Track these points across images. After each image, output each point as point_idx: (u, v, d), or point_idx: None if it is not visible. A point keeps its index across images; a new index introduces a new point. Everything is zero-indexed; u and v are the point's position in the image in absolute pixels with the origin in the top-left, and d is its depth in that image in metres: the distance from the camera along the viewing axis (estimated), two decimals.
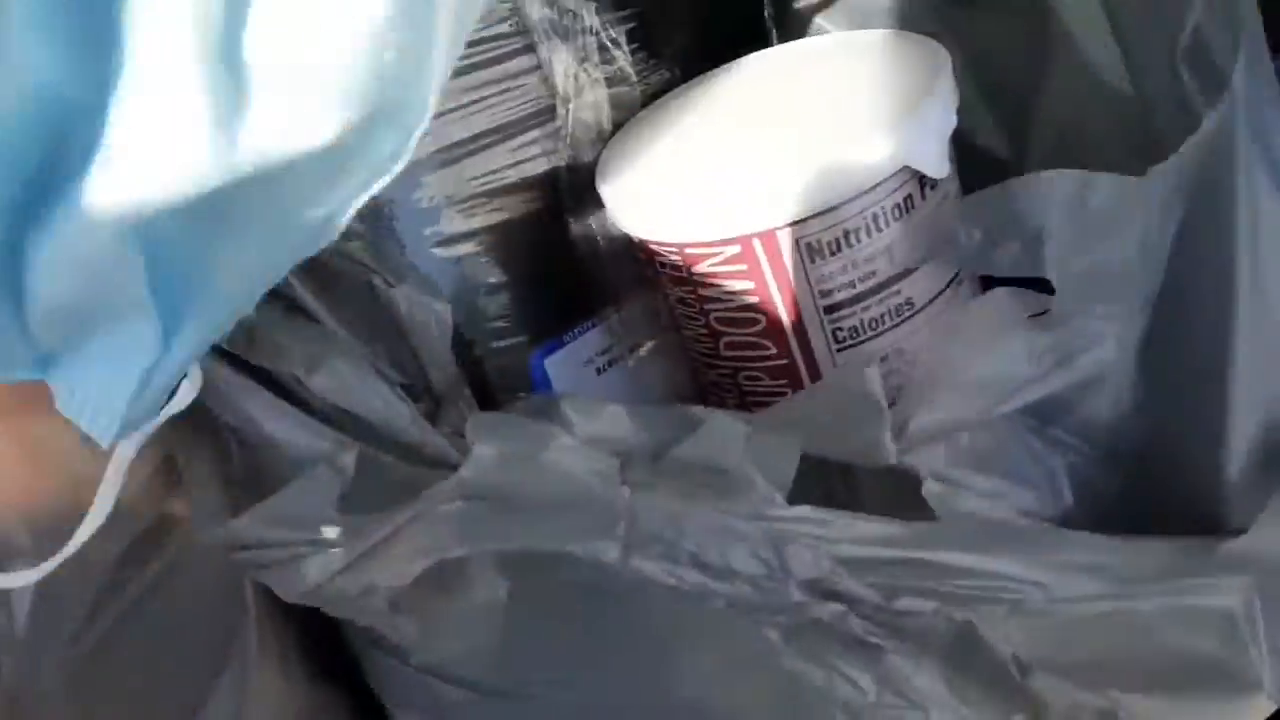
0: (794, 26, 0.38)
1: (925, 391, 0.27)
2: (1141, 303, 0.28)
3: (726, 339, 0.31)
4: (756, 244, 0.29)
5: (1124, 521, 0.29)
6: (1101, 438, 0.29)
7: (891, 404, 0.29)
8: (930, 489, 0.26)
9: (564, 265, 0.34)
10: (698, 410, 0.27)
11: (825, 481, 0.28)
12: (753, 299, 0.30)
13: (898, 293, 0.30)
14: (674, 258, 0.31)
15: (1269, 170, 0.27)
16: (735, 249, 0.29)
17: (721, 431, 0.26)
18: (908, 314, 0.30)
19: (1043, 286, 0.29)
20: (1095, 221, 0.28)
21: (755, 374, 0.32)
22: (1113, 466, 0.30)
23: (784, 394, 0.31)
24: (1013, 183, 0.28)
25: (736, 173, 0.29)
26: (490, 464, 0.27)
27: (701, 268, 0.30)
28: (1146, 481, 0.30)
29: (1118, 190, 0.27)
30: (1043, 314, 0.28)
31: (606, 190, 0.32)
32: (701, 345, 0.32)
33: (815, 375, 0.31)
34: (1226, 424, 0.28)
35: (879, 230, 0.29)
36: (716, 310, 0.31)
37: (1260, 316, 0.27)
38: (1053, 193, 0.28)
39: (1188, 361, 0.29)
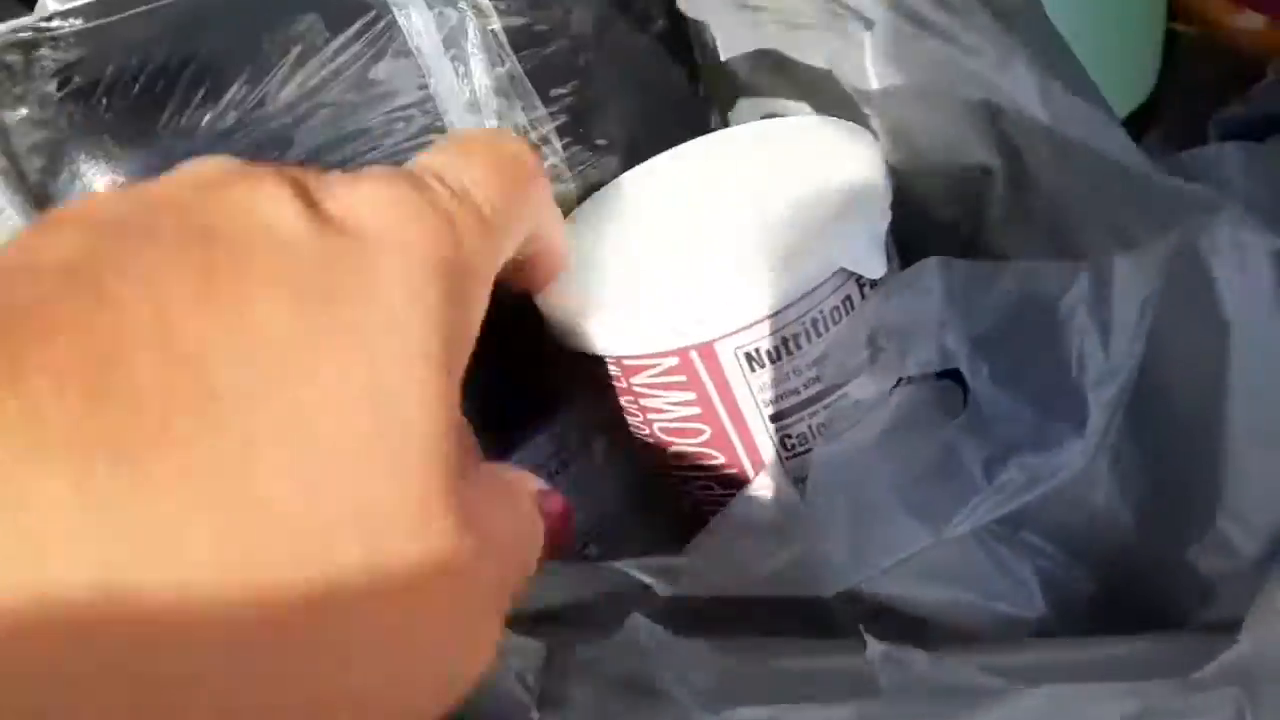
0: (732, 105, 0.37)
1: (869, 515, 0.25)
2: (1111, 400, 0.26)
3: (674, 449, 0.30)
4: (694, 356, 0.28)
5: (1100, 620, 0.28)
6: (1075, 539, 0.28)
7: None
8: (873, 653, 0.25)
9: (507, 373, 0.32)
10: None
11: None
12: (695, 409, 0.29)
13: (845, 395, 0.28)
14: (613, 369, 0.30)
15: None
16: (673, 360, 0.28)
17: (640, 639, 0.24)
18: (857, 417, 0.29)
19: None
20: (1035, 315, 0.26)
21: (707, 483, 0.30)
22: (1088, 566, 0.28)
23: None
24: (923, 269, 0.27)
25: (669, 284, 0.28)
26: None
27: (640, 379, 0.29)
28: (1124, 579, 0.29)
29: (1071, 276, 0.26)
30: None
31: (539, 301, 0.30)
32: (650, 454, 0.31)
33: None
34: (1212, 519, 0.26)
35: (819, 335, 0.28)
36: (660, 421, 0.30)
37: (1248, 405, 0.26)
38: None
39: (1167, 456, 0.27)
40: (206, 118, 0.29)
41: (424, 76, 0.31)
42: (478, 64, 0.31)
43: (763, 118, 0.35)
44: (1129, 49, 0.44)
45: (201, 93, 0.29)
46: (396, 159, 0.31)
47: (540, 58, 0.32)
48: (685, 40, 0.36)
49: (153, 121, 0.29)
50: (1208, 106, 0.42)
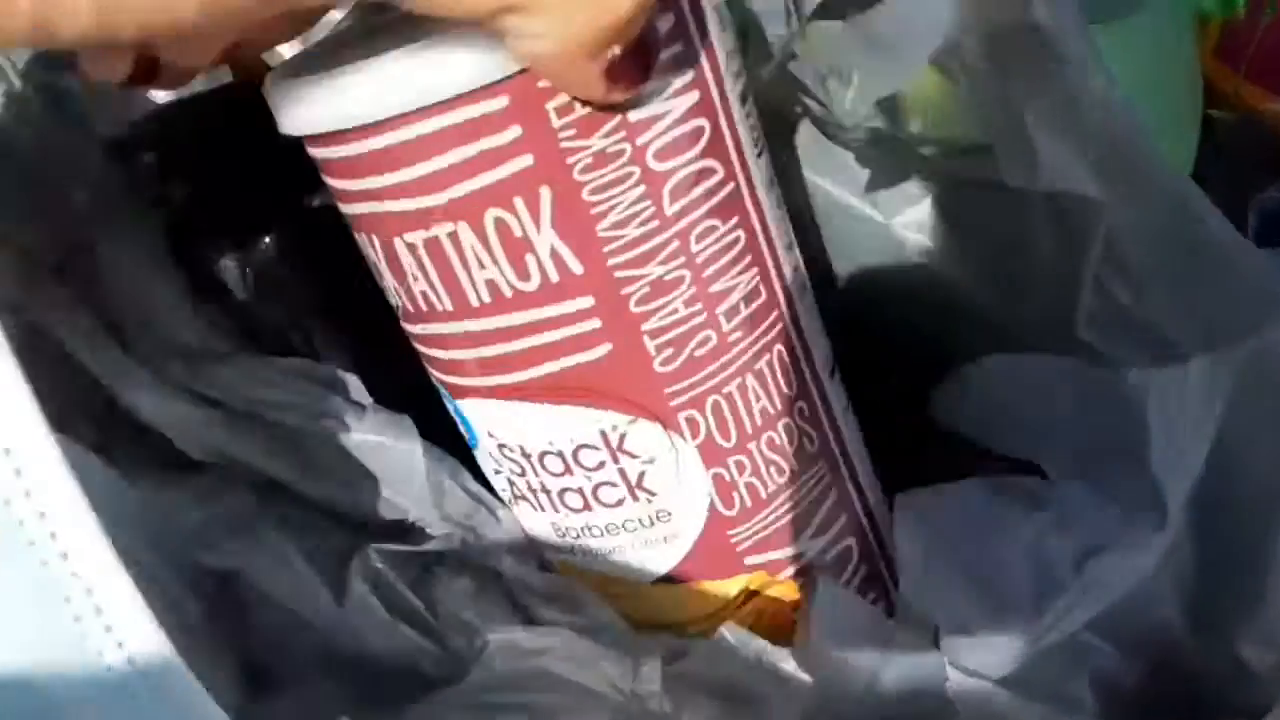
0: None
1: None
2: (1184, 499, 0.27)
3: None
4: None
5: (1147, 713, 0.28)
6: (1129, 636, 0.28)
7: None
8: None
9: None
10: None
11: None
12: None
13: None
14: None
15: None
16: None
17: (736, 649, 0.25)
18: None
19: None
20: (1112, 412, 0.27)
21: None
22: (1140, 661, 0.29)
23: None
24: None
25: None
26: (508, 663, 0.25)
27: None
28: (1171, 672, 0.29)
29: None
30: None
31: None
32: None
33: None
34: (1262, 614, 0.27)
35: None
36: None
37: None
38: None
39: (1224, 552, 0.28)
40: None
41: None
42: None
43: None
44: (1167, 134, 0.45)
45: None
46: None
47: None
48: None
49: None
50: (1246, 190, 0.43)
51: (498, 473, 0.27)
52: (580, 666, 0.25)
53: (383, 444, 0.26)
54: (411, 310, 0.25)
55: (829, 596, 0.27)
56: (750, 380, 0.25)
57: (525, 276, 0.23)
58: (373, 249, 0.25)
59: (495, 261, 0.23)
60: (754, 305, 0.25)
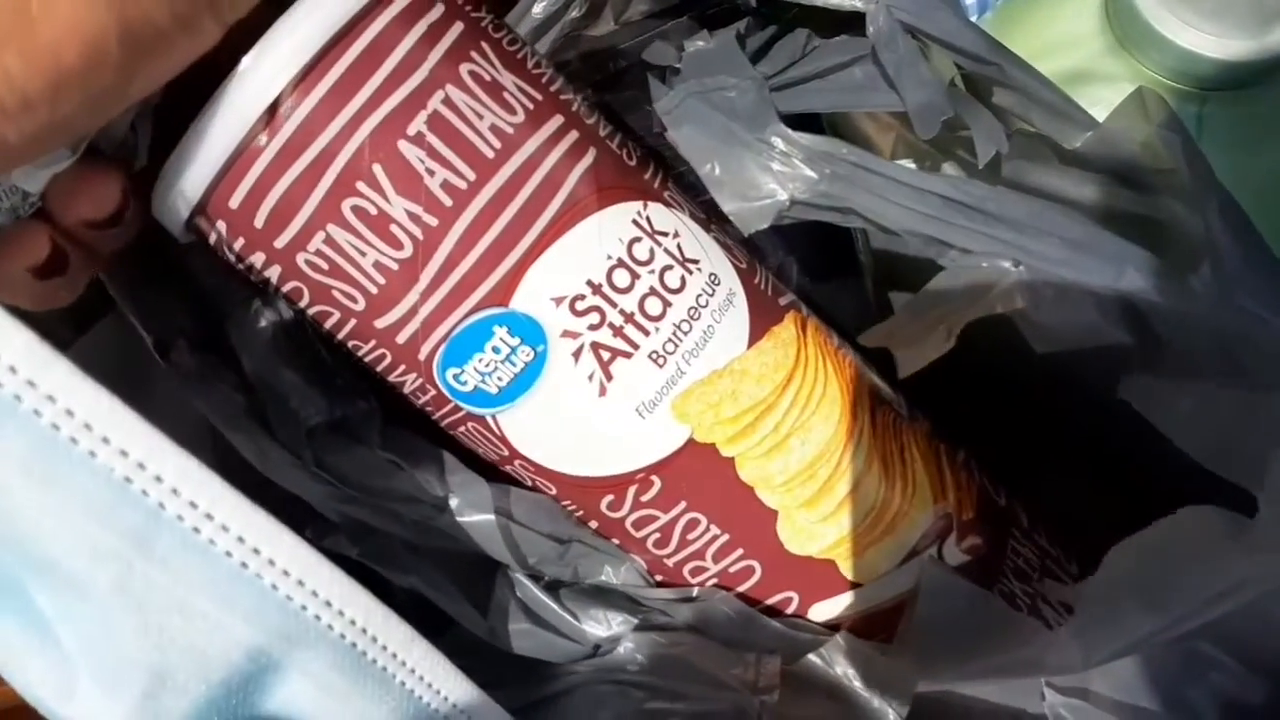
0: None
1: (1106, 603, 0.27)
2: None
3: None
4: None
5: None
6: (1251, 650, 0.29)
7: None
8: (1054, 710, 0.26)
9: None
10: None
11: None
12: None
13: None
14: None
15: None
16: None
17: (847, 653, 0.27)
18: None
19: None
20: None
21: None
22: (1262, 677, 0.29)
23: None
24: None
25: None
26: (641, 650, 0.28)
27: None
28: None
29: None
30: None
31: None
32: None
33: None
34: None
35: None
36: None
37: None
38: None
39: None
40: None
41: None
42: None
43: None
44: None
45: None
46: None
47: None
48: None
49: None
50: None
51: (578, 355, 0.25)
52: (709, 659, 0.28)
53: (469, 522, 0.28)
54: (433, 222, 0.24)
55: (934, 581, 0.27)
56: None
57: (512, 110, 0.25)
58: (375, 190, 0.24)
59: (486, 105, 0.24)
60: None
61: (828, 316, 0.31)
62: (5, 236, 0.24)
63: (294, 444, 0.29)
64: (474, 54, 0.25)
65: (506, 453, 0.27)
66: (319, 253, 0.24)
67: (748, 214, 0.28)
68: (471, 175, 0.24)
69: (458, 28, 0.25)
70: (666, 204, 0.27)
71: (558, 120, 0.26)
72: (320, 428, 0.29)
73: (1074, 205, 0.30)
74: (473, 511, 0.28)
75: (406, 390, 0.27)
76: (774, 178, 0.28)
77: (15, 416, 0.18)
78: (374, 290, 0.25)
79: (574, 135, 0.26)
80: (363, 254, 0.24)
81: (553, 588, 0.29)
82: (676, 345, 0.26)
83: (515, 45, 0.26)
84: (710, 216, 0.28)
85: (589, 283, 0.25)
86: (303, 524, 0.28)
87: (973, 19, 0.47)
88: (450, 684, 0.24)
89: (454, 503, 0.28)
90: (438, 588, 0.29)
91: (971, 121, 0.28)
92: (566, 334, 0.25)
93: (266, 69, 0.23)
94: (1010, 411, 0.33)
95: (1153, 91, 0.28)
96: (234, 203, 0.24)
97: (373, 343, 0.26)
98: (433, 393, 0.26)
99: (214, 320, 0.30)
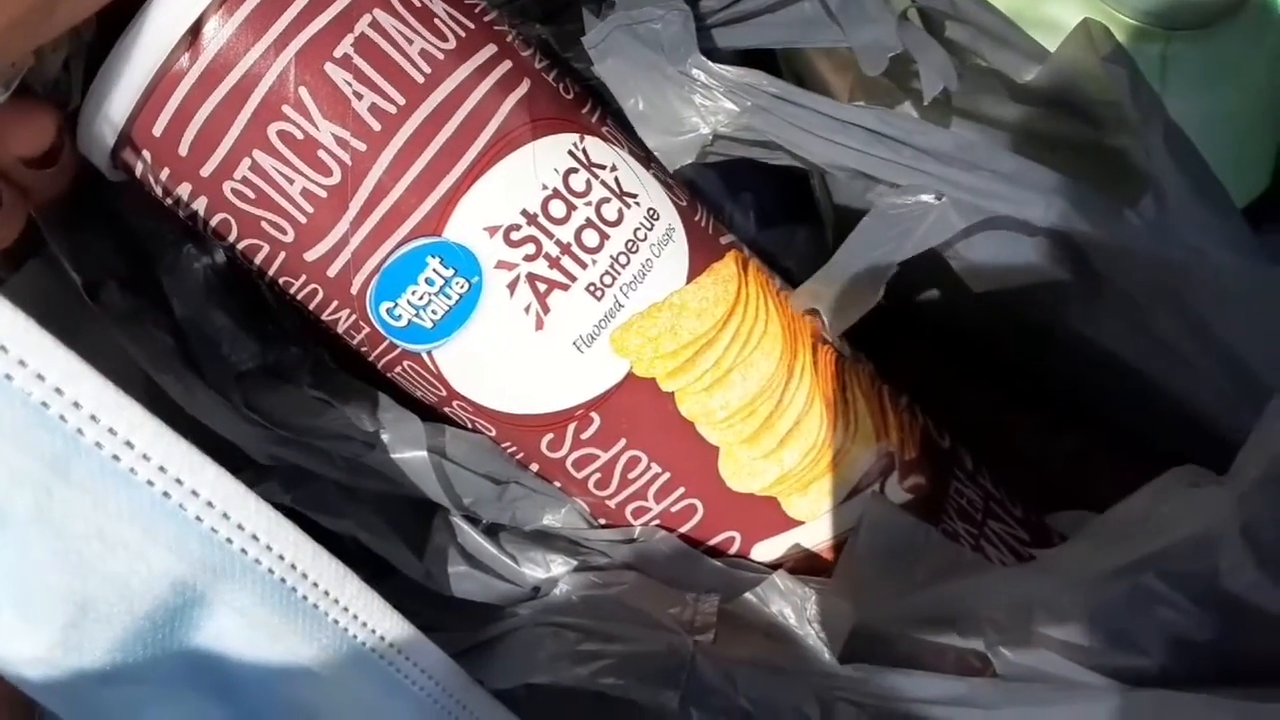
0: None
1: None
2: None
3: None
4: None
5: (1224, 673, 0.29)
6: (1201, 587, 0.29)
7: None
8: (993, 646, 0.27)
9: None
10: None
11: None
12: None
13: None
14: None
15: None
16: None
17: (783, 591, 0.27)
18: None
19: None
20: None
21: None
22: (1211, 615, 0.30)
23: None
24: None
25: None
26: (578, 592, 0.28)
27: None
28: (1249, 630, 0.30)
29: None
30: None
31: None
32: None
33: None
34: None
35: None
36: None
37: None
38: None
39: None
40: None
41: None
42: None
43: None
44: (1251, 141, 0.46)
45: None
46: None
47: None
48: None
49: None
50: None
51: (514, 288, 0.25)
52: (647, 599, 0.28)
53: (402, 459, 0.28)
54: (362, 147, 0.24)
55: (875, 515, 0.28)
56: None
57: (443, 37, 0.25)
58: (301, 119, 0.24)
59: (415, 30, 0.24)
60: None
61: (781, 263, 0.31)
62: None
63: (223, 387, 0.28)
64: None
65: (445, 393, 0.27)
66: (245, 180, 0.24)
67: (671, 149, 0.28)
68: (401, 100, 0.24)
69: None
70: (604, 139, 0.27)
71: (490, 50, 0.26)
72: (251, 372, 0.29)
73: (1025, 140, 0.30)
74: (406, 448, 0.28)
75: (340, 329, 0.27)
76: (696, 111, 0.28)
77: None
78: (303, 220, 0.25)
79: (507, 65, 0.26)
80: (290, 181, 0.24)
81: (491, 531, 0.29)
82: (614, 278, 0.26)
83: None
84: (650, 155, 0.28)
85: (524, 212, 0.25)
86: (235, 471, 0.28)
87: None
88: (385, 622, 0.24)
89: (386, 438, 0.28)
90: (374, 531, 0.29)
91: (919, 56, 0.29)
92: (501, 264, 0.25)
93: None
94: (954, 353, 0.34)
95: (1098, 24, 0.29)
96: (157, 130, 0.24)
97: (303, 278, 0.26)
98: (366, 330, 0.26)
99: (145, 262, 0.30)
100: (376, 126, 0.24)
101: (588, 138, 0.26)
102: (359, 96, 0.24)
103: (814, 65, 0.36)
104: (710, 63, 0.28)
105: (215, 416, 0.28)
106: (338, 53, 0.24)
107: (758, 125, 0.28)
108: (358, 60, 0.24)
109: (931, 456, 0.31)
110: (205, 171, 0.24)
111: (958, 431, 0.33)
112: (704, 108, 0.28)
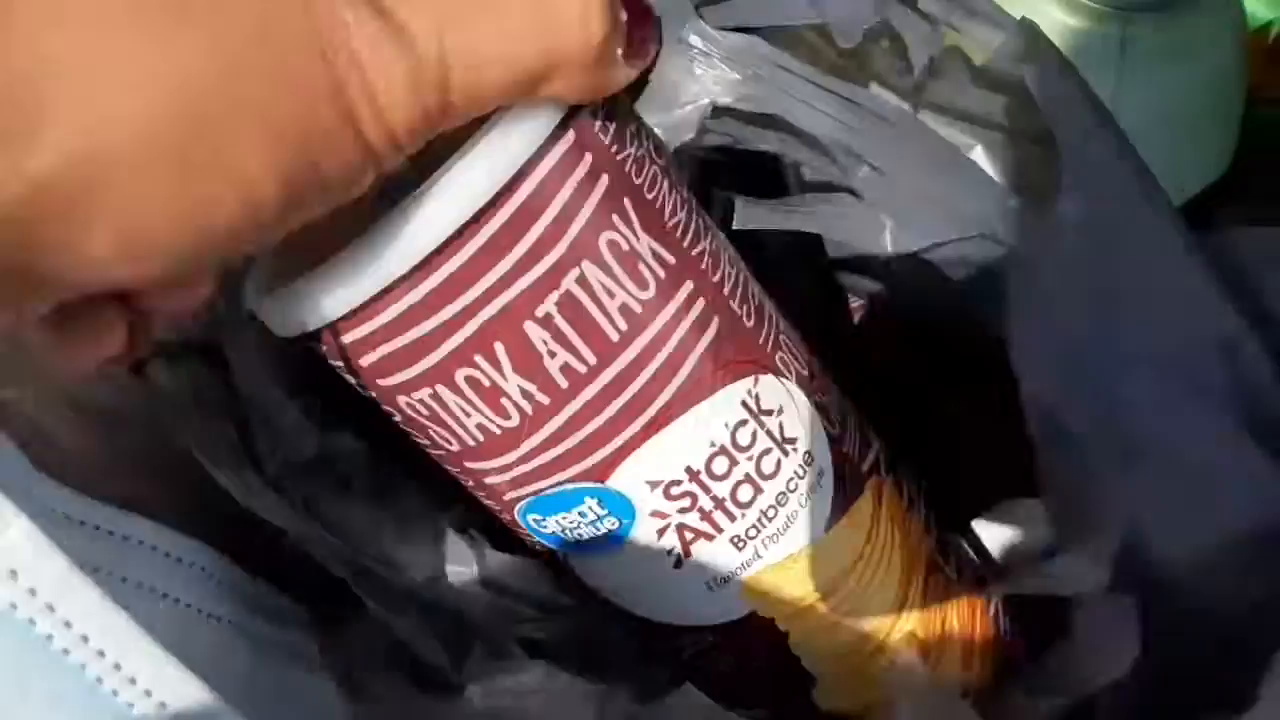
0: None
1: None
2: None
3: None
4: None
5: None
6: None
7: None
8: None
9: None
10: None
11: None
12: None
13: None
14: None
15: None
16: None
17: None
18: None
19: None
20: None
21: None
22: None
23: None
24: None
25: None
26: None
27: None
28: None
29: None
30: None
31: None
32: None
33: None
34: None
35: None
36: None
37: None
38: None
39: None
40: None
41: None
42: None
43: None
44: (1209, 125, 0.47)
45: None
46: None
47: None
48: None
49: None
50: None
51: (662, 533, 0.26)
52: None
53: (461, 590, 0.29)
54: (545, 401, 0.24)
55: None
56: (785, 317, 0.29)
57: (644, 285, 0.24)
58: (492, 363, 0.24)
59: (619, 281, 0.24)
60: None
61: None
62: (79, 327, 0.22)
63: (280, 481, 0.29)
64: (616, 217, 0.24)
65: (567, 571, 0.29)
66: (422, 402, 0.25)
67: (672, 124, 0.29)
68: (593, 360, 0.24)
69: (604, 182, 0.24)
70: (777, 370, 0.27)
71: (687, 289, 0.25)
72: (311, 464, 0.29)
73: (980, 126, 0.31)
74: (466, 582, 0.29)
75: (471, 491, 0.28)
76: (695, 81, 0.28)
77: None
78: (471, 444, 0.25)
79: (700, 305, 0.26)
80: (467, 415, 0.25)
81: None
82: (759, 531, 0.27)
83: (655, 189, 0.25)
84: (813, 371, 0.28)
85: (688, 469, 0.26)
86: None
87: None
88: None
89: (448, 570, 0.29)
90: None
91: (902, 26, 0.29)
92: (655, 514, 0.26)
93: (436, 214, 0.22)
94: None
95: (1029, 22, 0.29)
96: (351, 335, 0.24)
97: (457, 469, 0.27)
98: (507, 518, 0.27)
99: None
100: (564, 384, 0.24)
101: (763, 377, 0.27)
102: (553, 355, 0.24)
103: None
104: (709, 28, 0.28)
105: (275, 513, 0.28)
106: (540, 312, 0.23)
107: (758, 94, 0.28)
108: (558, 319, 0.24)
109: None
110: (384, 382, 0.25)
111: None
112: (703, 77, 0.29)
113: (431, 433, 0.25)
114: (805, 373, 0.28)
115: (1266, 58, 0.51)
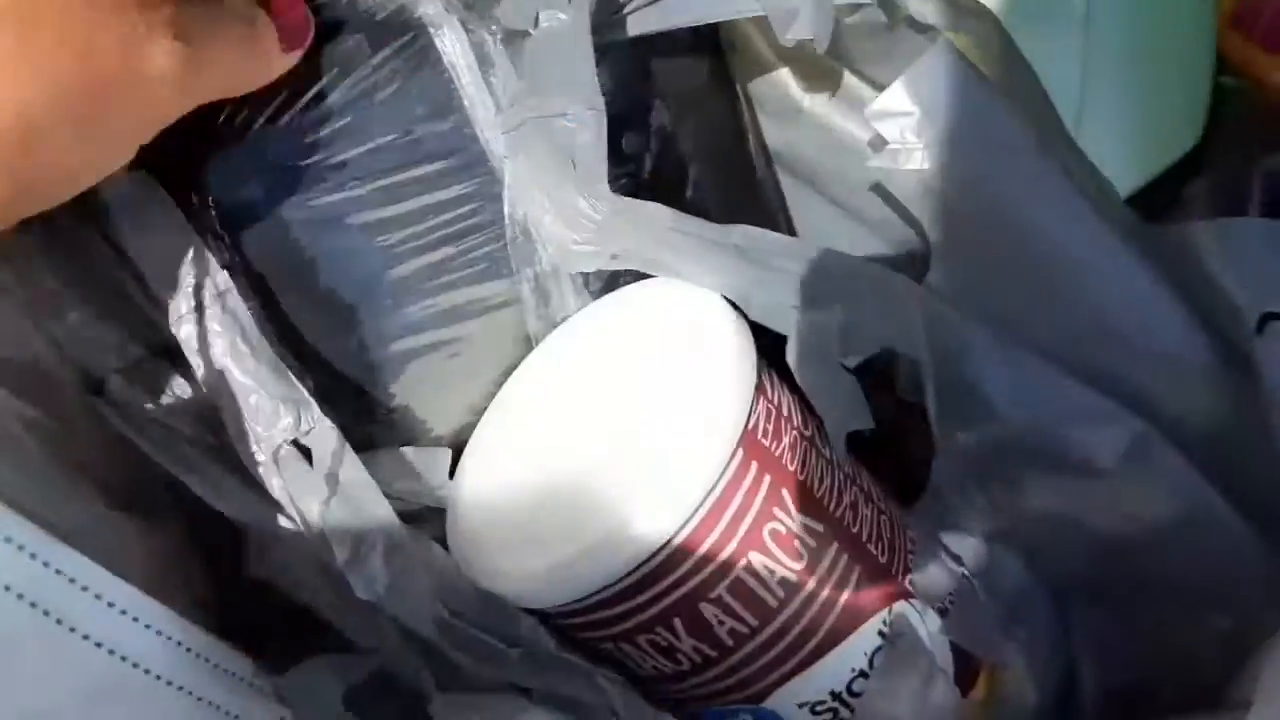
0: None
1: None
2: None
3: None
4: None
5: None
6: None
7: None
8: None
9: None
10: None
11: None
12: None
13: None
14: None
15: None
16: None
17: None
18: None
19: None
20: None
21: None
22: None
23: None
24: None
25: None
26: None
27: None
28: None
29: None
30: None
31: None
32: None
33: None
34: None
35: None
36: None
37: None
38: None
39: None
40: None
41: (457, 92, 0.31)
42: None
43: None
44: (1177, 99, 0.46)
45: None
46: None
47: None
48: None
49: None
50: (1253, 156, 0.45)
51: None
52: None
53: None
54: (713, 654, 0.28)
55: None
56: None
57: (798, 557, 0.28)
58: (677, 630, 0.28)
59: (778, 560, 0.28)
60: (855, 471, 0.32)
61: None
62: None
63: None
64: (777, 510, 0.28)
65: None
66: (604, 647, 0.29)
67: (569, 257, 0.31)
68: (755, 623, 0.28)
69: (767, 482, 0.28)
70: (908, 596, 0.31)
71: (833, 550, 0.29)
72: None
73: None
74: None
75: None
76: (599, 230, 0.31)
77: None
78: (643, 676, 0.30)
79: (844, 560, 0.29)
80: (643, 661, 0.29)
81: None
82: None
83: (806, 468, 0.29)
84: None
85: (831, 692, 0.30)
86: None
87: None
88: None
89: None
90: None
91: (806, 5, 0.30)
92: None
93: (654, 519, 0.27)
94: None
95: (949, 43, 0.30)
96: (558, 603, 0.28)
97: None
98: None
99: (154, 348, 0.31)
100: (730, 643, 0.28)
101: (896, 605, 0.30)
102: (721, 623, 0.28)
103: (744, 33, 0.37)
104: (616, 196, 0.30)
105: (248, 508, 0.29)
106: (712, 594, 0.27)
107: (653, 256, 0.30)
108: (728, 598, 0.28)
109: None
110: (568, 628, 0.29)
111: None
112: (606, 229, 0.31)
113: (607, 659, 0.30)
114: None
115: (1229, 24, 0.48)
